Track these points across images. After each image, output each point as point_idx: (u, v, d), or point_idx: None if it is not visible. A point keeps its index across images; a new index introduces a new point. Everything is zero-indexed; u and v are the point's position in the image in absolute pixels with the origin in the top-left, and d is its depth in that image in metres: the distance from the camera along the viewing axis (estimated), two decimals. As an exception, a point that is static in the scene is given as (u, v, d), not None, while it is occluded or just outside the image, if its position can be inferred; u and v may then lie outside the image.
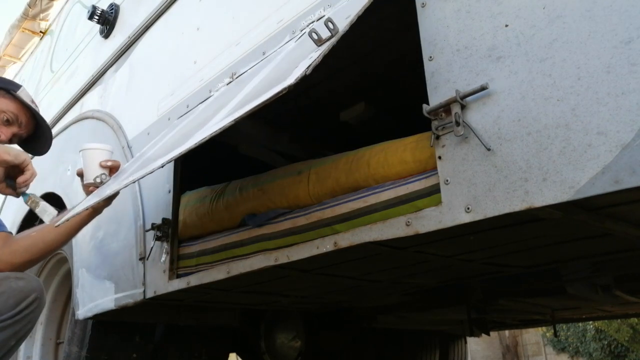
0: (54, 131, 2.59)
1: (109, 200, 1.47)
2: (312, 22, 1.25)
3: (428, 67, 0.99)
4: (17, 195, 1.47)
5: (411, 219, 0.97)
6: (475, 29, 0.93)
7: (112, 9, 2.33)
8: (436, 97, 0.96)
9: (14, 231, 2.64)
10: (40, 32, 3.61)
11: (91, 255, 1.93)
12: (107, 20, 2.32)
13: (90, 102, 2.34)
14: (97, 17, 2.34)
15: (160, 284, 1.54)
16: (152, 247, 1.59)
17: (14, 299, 1.31)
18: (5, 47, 3.95)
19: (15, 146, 1.60)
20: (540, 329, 10.29)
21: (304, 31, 1.25)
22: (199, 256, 1.54)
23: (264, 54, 1.39)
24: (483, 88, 0.88)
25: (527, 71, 0.84)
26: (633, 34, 0.74)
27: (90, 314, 1.82)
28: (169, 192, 1.60)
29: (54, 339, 2.46)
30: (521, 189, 0.82)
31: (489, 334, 2.74)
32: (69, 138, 2.42)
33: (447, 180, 0.92)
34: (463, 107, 0.91)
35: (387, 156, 1.21)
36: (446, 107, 0.93)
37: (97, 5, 2.39)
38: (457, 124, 0.90)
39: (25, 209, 2.58)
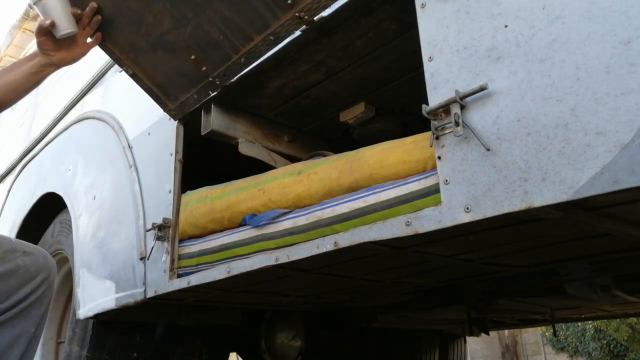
0: (54, 132, 2.61)
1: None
2: None
3: (428, 67, 0.99)
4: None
5: (411, 218, 0.97)
6: (474, 30, 0.93)
7: (113, 9, 2.33)
8: (436, 97, 0.96)
9: (14, 231, 2.65)
10: (41, 32, 3.61)
11: (92, 255, 1.93)
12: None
13: (91, 103, 2.34)
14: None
15: (161, 283, 1.54)
16: (152, 247, 1.59)
17: (17, 279, 1.21)
18: (7, 48, 3.96)
19: None
20: (539, 328, 10.30)
21: None
22: (200, 256, 1.54)
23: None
24: (482, 88, 0.88)
25: (527, 71, 0.85)
26: (632, 35, 0.75)
27: (91, 314, 1.82)
28: (170, 192, 1.61)
29: (54, 338, 2.47)
30: (520, 189, 0.82)
31: (488, 334, 2.75)
32: (69, 138, 2.43)
33: (446, 180, 0.93)
34: (462, 107, 0.91)
35: (387, 156, 1.21)
36: (446, 108, 0.93)
37: (97, 5, 2.39)
38: (457, 124, 0.90)
39: (26, 208, 2.59)
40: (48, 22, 1.32)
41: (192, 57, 1.45)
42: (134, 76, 1.57)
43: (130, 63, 1.54)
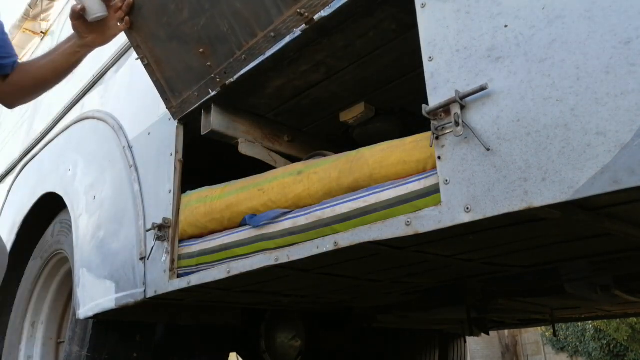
0: (54, 132, 2.61)
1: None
2: None
3: (427, 67, 0.99)
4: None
5: (411, 218, 0.97)
6: (474, 30, 0.93)
7: (113, 9, 2.33)
8: (436, 97, 0.96)
9: (14, 231, 2.65)
10: (41, 32, 3.62)
11: (92, 255, 1.93)
12: (107, 21, 2.32)
13: (91, 103, 2.35)
14: (97, 18, 2.34)
15: (161, 283, 1.54)
16: (152, 247, 1.59)
17: None
18: (6, 47, 3.95)
19: None
20: (539, 328, 10.31)
21: None
22: (200, 256, 1.54)
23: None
24: (482, 88, 0.88)
25: (527, 71, 0.85)
26: (632, 35, 0.75)
27: (91, 314, 1.83)
28: (170, 192, 1.61)
29: (54, 338, 2.47)
30: (520, 189, 0.82)
31: (488, 334, 2.75)
32: (69, 138, 2.43)
33: (446, 180, 0.93)
34: (462, 107, 0.91)
35: (387, 156, 1.21)
36: (446, 108, 0.93)
37: (97, 5, 2.39)
38: (457, 124, 0.90)
39: (26, 208, 2.59)
40: (79, 7, 1.44)
41: (201, 50, 1.47)
42: (147, 66, 1.62)
43: (147, 52, 1.60)
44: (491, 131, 0.87)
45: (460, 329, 3.00)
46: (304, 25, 1.26)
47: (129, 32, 1.59)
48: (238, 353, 2.72)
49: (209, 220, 1.57)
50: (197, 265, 1.54)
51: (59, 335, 2.49)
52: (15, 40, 3.84)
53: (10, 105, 1.57)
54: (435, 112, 0.95)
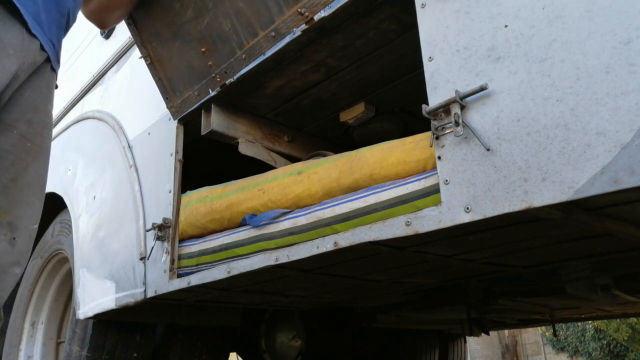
0: (54, 132, 2.60)
1: None
2: None
3: (428, 67, 0.99)
4: None
5: (411, 218, 0.97)
6: (474, 30, 0.93)
7: (113, 9, 2.33)
8: (436, 97, 0.96)
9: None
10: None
11: (92, 255, 1.93)
12: (107, 21, 2.33)
13: (91, 103, 2.35)
14: (97, 17, 2.34)
15: (161, 283, 1.54)
16: (152, 247, 1.59)
17: None
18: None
19: None
20: (539, 328, 10.32)
21: None
22: (200, 256, 1.54)
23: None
24: (482, 88, 0.88)
25: (527, 71, 0.85)
26: (632, 35, 0.75)
27: (91, 314, 1.83)
28: (170, 192, 1.61)
29: (54, 338, 2.47)
30: (520, 189, 0.82)
31: (488, 334, 2.75)
32: (69, 138, 2.43)
33: (446, 181, 0.93)
34: (462, 107, 0.91)
35: (387, 156, 1.21)
36: (446, 108, 0.93)
37: (97, 5, 2.39)
38: (457, 124, 0.90)
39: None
40: None
41: (203, 49, 1.47)
42: (150, 65, 1.63)
43: (151, 52, 1.61)
44: (491, 131, 0.87)
45: (460, 329, 3.00)
46: (304, 25, 1.26)
47: (134, 30, 1.59)
48: (238, 353, 2.72)
49: (209, 220, 1.57)
50: (197, 265, 1.54)
51: (59, 335, 2.49)
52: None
53: (103, 25, 1.52)
54: (435, 112, 0.95)
